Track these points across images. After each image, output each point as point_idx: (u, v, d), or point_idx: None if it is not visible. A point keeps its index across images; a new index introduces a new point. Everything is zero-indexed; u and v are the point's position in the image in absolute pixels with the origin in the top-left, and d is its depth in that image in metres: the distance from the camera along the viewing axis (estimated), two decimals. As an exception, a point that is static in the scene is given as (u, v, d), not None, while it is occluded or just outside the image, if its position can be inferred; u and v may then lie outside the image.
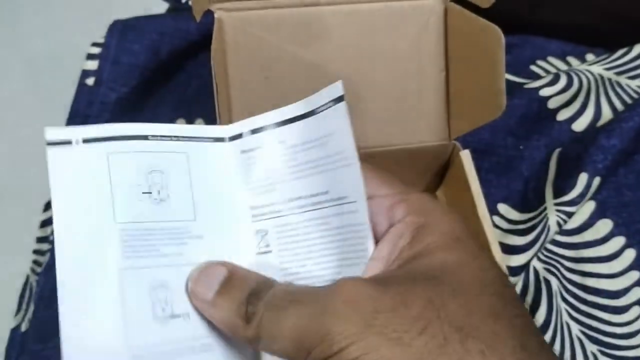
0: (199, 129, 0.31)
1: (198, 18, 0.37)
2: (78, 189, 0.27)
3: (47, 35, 1.30)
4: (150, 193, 0.29)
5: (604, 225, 0.45)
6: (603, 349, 0.41)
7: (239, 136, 0.31)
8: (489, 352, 0.22)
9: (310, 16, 0.40)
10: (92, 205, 0.27)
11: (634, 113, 0.48)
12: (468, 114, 0.41)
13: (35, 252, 0.47)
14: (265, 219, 0.30)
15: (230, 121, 0.40)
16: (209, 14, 0.52)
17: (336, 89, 0.29)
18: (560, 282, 0.43)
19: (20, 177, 1.13)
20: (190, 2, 0.55)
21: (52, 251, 0.45)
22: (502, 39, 0.36)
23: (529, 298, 0.43)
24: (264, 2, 0.39)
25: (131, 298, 0.27)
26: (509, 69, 0.52)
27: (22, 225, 1.07)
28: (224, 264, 0.28)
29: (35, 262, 0.47)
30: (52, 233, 0.46)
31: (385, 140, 0.43)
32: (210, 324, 0.28)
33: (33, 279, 0.47)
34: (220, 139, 0.31)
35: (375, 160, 0.43)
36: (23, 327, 0.44)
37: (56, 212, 0.27)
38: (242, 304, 0.26)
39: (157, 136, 0.29)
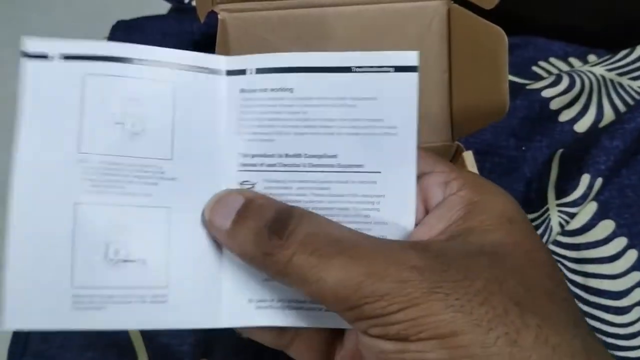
0: (194, 56, 0.28)
1: (202, 19, 0.37)
2: (46, 110, 0.25)
3: (49, 35, 1.30)
4: (123, 124, 0.26)
5: (606, 226, 0.45)
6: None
7: (241, 72, 0.28)
8: (546, 326, 0.22)
9: (314, 18, 0.40)
10: (58, 131, 0.25)
11: (636, 114, 0.48)
12: (471, 115, 0.41)
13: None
14: (255, 171, 0.28)
15: None
16: (212, 15, 0.53)
17: (407, 57, 0.27)
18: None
19: (22, 177, 1.13)
20: (193, 3, 0.56)
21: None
22: (506, 40, 0.36)
23: None
24: (268, 3, 0.39)
25: (83, 235, 0.25)
26: (511, 70, 0.52)
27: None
28: (240, 191, 0.27)
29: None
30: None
31: None
32: (170, 275, 0.26)
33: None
34: (216, 71, 0.28)
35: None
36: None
37: (19, 131, 0.25)
38: (260, 234, 0.25)
39: (142, 60, 0.26)
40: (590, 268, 0.44)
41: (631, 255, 0.44)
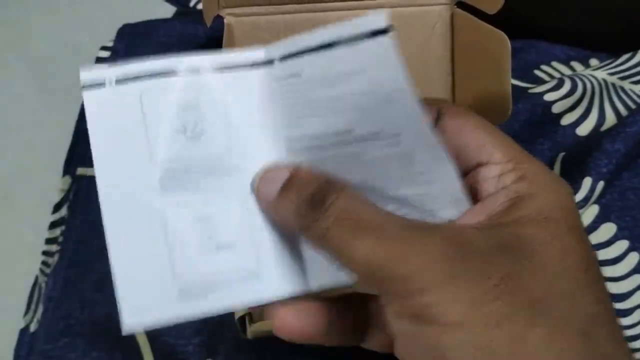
0: (232, 56, 0.30)
1: (209, 23, 0.37)
2: (114, 131, 0.28)
3: (54, 37, 1.31)
4: (184, 130, 0.29)
5: (608, 229, 0.45)
6: None
7: (270, 62, 0.30)
8: (555, 330, 0.22)
9: (319, 21, 0.40)
10: (129, 147, 0.28)
11: (637, 117, 0.48)
12: (474, 118, 0.42)
13: (44, 253, 0.48)
14: (300, 152, 0.29)
15: None
16: (217, 19, 0.53)
17: (375, 20, 0.26)
18: None
19: (27, 177, 1.13)
20: (198, 6, 0.56)
21: (60, 252, 0.45)
22: (509, 45, 0.36)
23: None
24: (273, 7, 0.39)
25: (175, 234, 0.28)
26: (513, 74, 0.52)
27: (28, 226, 1.07)
28: (287, 165, 0.28)
29: (44, 263, 0.47)
30: (60, 234, 0.46)
31: None
32: (258, 253, 0.28)
33: (42, 279, 0.47)
34: (256, 65, 0.30)
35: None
36: (32, 328, 0.45)
37: (95, 156, 0.28)
38: (300, 206, 0.26)
39: (187, 69, 0.29)
40: None
41: (633, 258, 0.44)
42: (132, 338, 0.41)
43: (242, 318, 0.36)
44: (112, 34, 0.52)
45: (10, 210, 1.11)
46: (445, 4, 0.42)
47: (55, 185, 0.99)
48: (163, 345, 0.41)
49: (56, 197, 0.48)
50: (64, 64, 1.27)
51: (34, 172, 1.15)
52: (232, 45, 0.39)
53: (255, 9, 0.39)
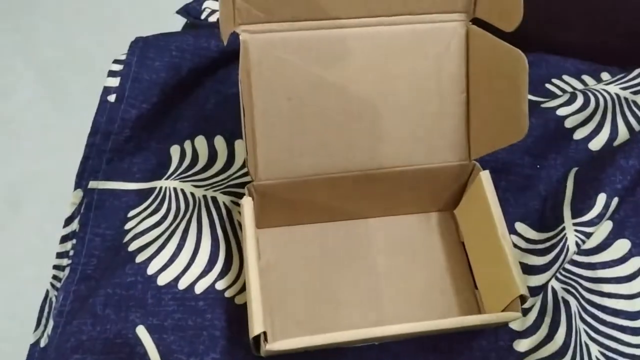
0: None
1: (225, 40, 0.37)
2: None
3: (62, 44, 1.31)
4: None
5: (622, 246, 0.45)
6: None
7: None
8: None
9: (333, 38, 0.40)
10: None
11: None
12: (489, 135, 0.42)
13: (55, 267, 0.47)
14: None
15: (253, 142, 0.41)
16: (232, 35, 0.53)
17: None
18: (579, 302, 0.43)
19: (35, 183, 1.14)
20: (209, 19, 0.56)
21: (71, 266, 0.45)
22: (526, 63, 0.36)
23: (548, 319, 0.43)
24: (288, 24, 0.39)
25: None
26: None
27: (36, 232, 1.07)
28: None
29: (54, 277, 0.47)
30: (71, 248, 0.46)
31: (405, 160, 0.43)
32: None
33: (52, 294, 0.47)
34: None
35: (395, 180, 0.43)
36: (42, 343, 0.45)
37: None
38: None
39: None
40: (606, 288, 0.44)
41: None
42: (144, 355, 0.40)
43: (257, 337, 0.36)
44: (120, 42, 0.52)
45: (18, 216, 1.11)
46: (461, 20, 0.41)
47: (63, 191, 0.98)
48: None
49: (67, 211, 0.48)
50: (72, 71, 1.28)
51: (42, 179, 1.15)
52: (247, 61, 0.39)
53: (270, 25, 0.39)
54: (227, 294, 0.43)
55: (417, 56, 0.41)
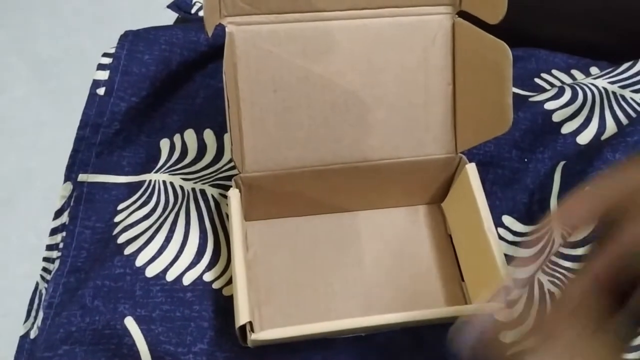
0: None
1: (210, 32, 0.38)
2: None
3: (57, 40, 1.31)
4: None
5: None
6: None
7: None
8: None
9: (320, 31, 0.40)
10: None
11: (638, 127, 0.48)
12: (475, 127, 0.42)
13: (45, 259, 0.48)
14: None
15: (240, 134, 0.41)
16: (218, 27, 0.53)
17: None
18: None
19: (30, 180, 1.14)
20: (200, 13, 0.56)
21: (60, 259, 0.45)
22: (510, 55, 0.37)
23: (534, 310, 0.43)
24: (274, 16, 0.40)
25: None
26: (514, 82, 0.52)
27: (31, 228, 1.08)
28: None
29: (44, 269, 0.47)
30: (61, 241, 0.46)
31: (392, 153, 0.43)
32: None
33: (42, 286, 0.47)
34: None
35: (382, 173, 0.44)
36: (32, 335, 0.45)
37: None
38: None
39: None
40: None
41: None
42: (132, 346, 0.41)
43: (243, 327, 0.37)
44: (115, 38, 0.52)
45: (13, 213, 1.11)
46: (447, 13, 0.42)
47: (56, 187, 0.99)
48: (163, 354, 0.41)
49: (57, 204, 0.48)
50: (66, 67, 1.28)
51: (37, 175, 1.15)
52: (234, 53, 0.40)
53: (256, 17, 0.40)
54: (215, 286, 0.43)
55: (403, 49, 0.42)
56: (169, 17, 0.60)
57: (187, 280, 0.43)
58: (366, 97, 0.42)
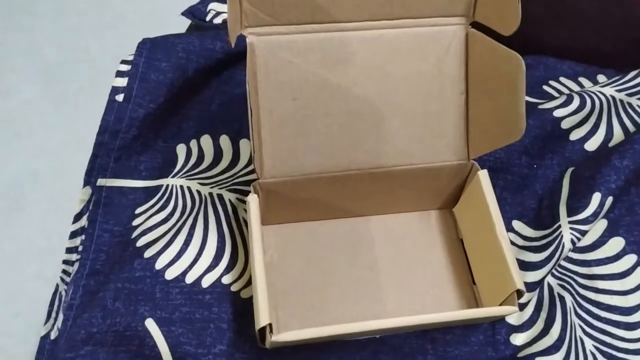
0: None
1: (233, 43, 0.39)
2: None
3: (63, 43, 1.32)
4: None
5: (616, 243, 0.46)
6: None
7: None
8: None
9: (337, 41, 0.41)
10: None
11: None
12: (488, 135, 0.43)
13: (65, 262, 0.48)
14: None
15: (259, 141, 0.42)
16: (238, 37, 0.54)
17: None
18: (574, 298, 0.45)
19: (36, 181, 1.14)
20: (214, 21, 0.57)
21: (80, 261, 0.46)
22: (524, 66, 0.38)
23: (544, 314, 0.44)
24: (294, 27, 0.41)
25: None
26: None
27: (39, 230, 1.08)
28: None
29: (64, 271, 0.48)
30: (80, 244, 0.47)
31: (406, 160, 0.44)
32: None
33: (62, 288, 0.48)
34: None
35: (396, 179, 0.45)
36: (52, 335, 0.46)
37: None
38: None
39: None
40: (601, 284, 0.45)
41: None
42: (154, 347, 0.42)
43: (262, 329, 0.37)
44: (121, 42, 0.53)
45: (20, 214, 1.12)
46: (460, 24, 0.43)
47: (64, 189, 0.99)
48: (184, 355, 0.42)
49: (77, 207, 0.49)
50: (73, 70, 1.28)
51: (44, 176, 1.16)
52: (254, 63, 0.41)
53: (276, 28, 0.41)
54: (233, 288, 0.44)
55: (418, 58, 0.43)
56: (177, 21, 0.61)
57: (205, 282, 0.44)
58: (382, 105, 0.43)
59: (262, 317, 0.37)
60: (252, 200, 0.42)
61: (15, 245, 1.08)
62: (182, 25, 0.61)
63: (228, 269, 0.45)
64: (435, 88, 0.43)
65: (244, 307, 0.43)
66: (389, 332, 0.43)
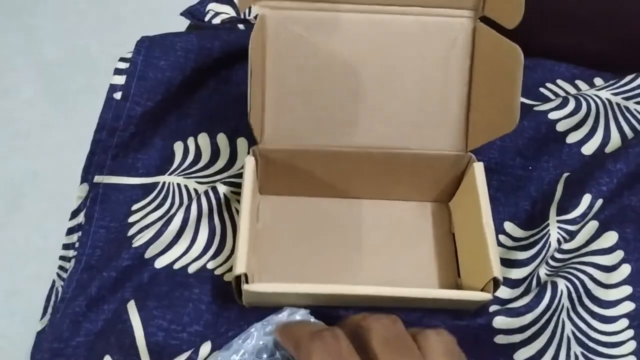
0: None
1: (242, 9, 0.39)
2: None
3: (63, 43, 1.32)
4: None
5: (611, 237, 0.47)
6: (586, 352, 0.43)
7: None
8: None
9: (347, 21, 0.43)
10: None
11: None
12: (485, 126, 0.43)
13: (61, 258, 0.49)
14: None
15: (262, 108, 0.43)
16: (232, 33, 0.54)
17: None
18: (572, 282, 0.45)
19: (35, 181, 1.15)
20: (213, 21, 0.57)
21: (76, 257, 0.47)
22: (522, 58, 0.38)
23: (532, 294, 0.44)
24: (307, 3, 0.42)
25: None
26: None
27: (37, 229, 1.09)
28: None
29: (60, 267, 0.48)
30: (77, 240, 0.48)
31: (405, 143, 0.45)
32: None
33: (59, 284, 0.48)
34: None
35: (393, 162, 0.45)
36: (47, 330, 0.46)
37: None
38: None
39: None
40: (590, 270, 0.46)
41: (625, 269, 0.46)
42: (126, 321, 0.42)
43: (239, 282, 0.38)
44: (121, 41, 0.53)
45: (18, 214, 1.12)
46: (469, 17, 0.43)
47: (63, 189, 0.99)
48: (156, 329, 0.42)
49: (74, 204, 0.49)
50: (72, 70, 1.29)
51: (43, 176, 1.16)
52: (264, 35, 0.42)
53: (288, 3, 0.42)
54: (217, 272, 0.45)
55: (425, 46, 0.44)
56: (176, 21, 0.61)
57: (192, 269, 0.45)
58: (385, 87, 0.44)
59: (240, 266, 0.38)
60: (249, 161, 0.43)
61: (13, 245, 1.09)
62: (181, 25, 0.61)
63: (214, 256, 0.45)
64: (439, 77, 0.44)
65: (225, 290, 0.44)
66: (364, 304, 0.42)
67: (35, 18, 1.37)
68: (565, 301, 0.44)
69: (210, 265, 0.45)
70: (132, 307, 0.43)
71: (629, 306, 0.45)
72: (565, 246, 0.47)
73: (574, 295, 0.45)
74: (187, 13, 0.59)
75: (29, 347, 0.46)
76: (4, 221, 1.11)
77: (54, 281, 0.49)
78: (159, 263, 0.45)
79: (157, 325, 0.42)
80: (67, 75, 1.30)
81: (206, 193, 0.47)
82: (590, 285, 0.45)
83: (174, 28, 0.58)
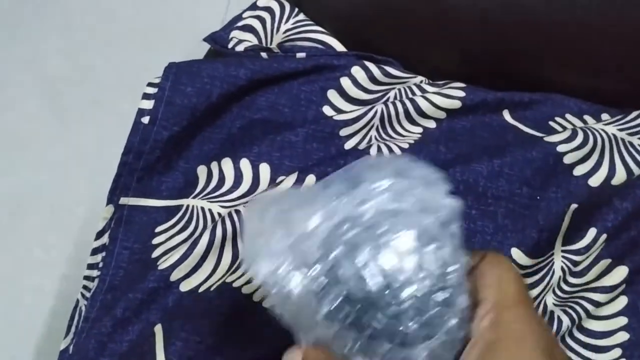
0: None
1: None
2: None
3: (67, 58, 1.33)
4: None
5: (620, 273, 0.48)
6: None
7: None
8: None
9: None
10: None
11: None
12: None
13: (86, 277, 0.50)
14: None
15: None
16: (257, 62, 0.55)
17: None
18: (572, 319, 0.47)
19: (37, 194, 1.15)
20: (236, 48, 0.59)
21: (99, 277, 0.48)
22: None
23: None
24: None
25: None
26: (530, 124, 0.55)
27: (37, 242, 1.09)
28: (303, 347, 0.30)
29: (85, 287, 0.49)
30: (101, 260, 0.49)
31: None
32: None
33: (82, 303, 0.49)
34: None
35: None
36: (71, 350, 0.47)
37: None
38: None
39: None
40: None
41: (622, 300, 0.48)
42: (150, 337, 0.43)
43: None
44: (126, 58, 0.54)
45: (20, 227, 1.12)
46: None
47: (64, 203, 1.00)
48: (175, 340, 0.44)
49: (99, 225, 0.50)
50: (77, 85, 1.30)
51: (45, 190, 1.16)
52: None
53: None
54: (235, 285, 0.46)
55: None
56: (182, 39, 0.62)
57: (215, 287, 0.46)
58: None
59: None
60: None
61: (13, 258, 1.09)
62: (183, 42, 0.62)
63: (235, 270, 0.47)
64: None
65: (244, 302, 0.45)
66: None
67: (41, 32, 1.38)
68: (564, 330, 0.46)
69: (229, 279, 0.46)
70: (158, 331, 0.44)
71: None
72: (575, 280, 0.48)
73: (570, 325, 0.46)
74: (210, 39, 0.60)
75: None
76: (5, 234, 1.11)
77: (77, 300, 0.50)
78: (184, 287, 0.46)
79: (176, 337, 0.44)
80: (71, 90, 1.30)
81: (230, 216, 0.49)
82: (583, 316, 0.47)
83: (182, 46, 0.59)
